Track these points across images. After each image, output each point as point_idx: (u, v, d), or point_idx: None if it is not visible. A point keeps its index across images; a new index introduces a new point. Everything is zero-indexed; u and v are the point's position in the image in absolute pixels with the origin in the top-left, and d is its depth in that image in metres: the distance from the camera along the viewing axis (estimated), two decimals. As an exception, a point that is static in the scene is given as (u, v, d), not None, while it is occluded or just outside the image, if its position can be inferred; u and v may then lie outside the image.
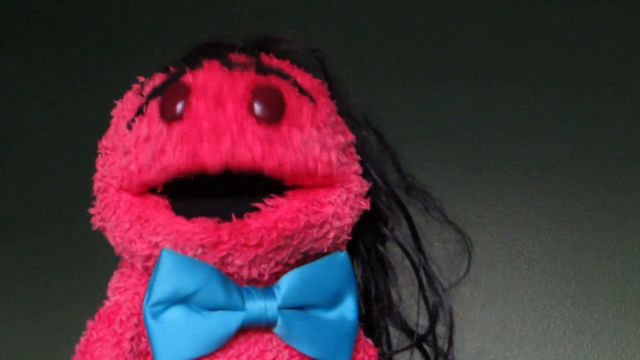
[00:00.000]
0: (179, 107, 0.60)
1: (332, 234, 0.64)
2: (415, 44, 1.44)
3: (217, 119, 0.59)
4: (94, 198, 0.67)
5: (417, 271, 0.74)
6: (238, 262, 0.61)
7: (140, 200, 0.62)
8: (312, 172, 0.62)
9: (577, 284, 1.35)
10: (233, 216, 0.61)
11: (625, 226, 1.35)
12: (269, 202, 0.61)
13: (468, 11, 1.44)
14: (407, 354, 0.75)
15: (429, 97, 1.41)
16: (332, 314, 0.64)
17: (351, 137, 0.67)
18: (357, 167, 0.66)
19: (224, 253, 0.60)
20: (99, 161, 0.66)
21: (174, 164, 0.60)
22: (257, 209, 0.61)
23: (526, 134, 1.39)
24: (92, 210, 0.67)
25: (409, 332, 0.74)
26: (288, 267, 0.63)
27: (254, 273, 0.62)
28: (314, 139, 0.62)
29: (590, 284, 1.35)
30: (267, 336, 0.62)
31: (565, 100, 1.39)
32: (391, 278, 0.74)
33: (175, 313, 0.60)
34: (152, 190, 0.63)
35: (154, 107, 0.61)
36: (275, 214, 0.61)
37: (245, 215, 0.61)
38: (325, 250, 0.64)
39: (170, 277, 0.59)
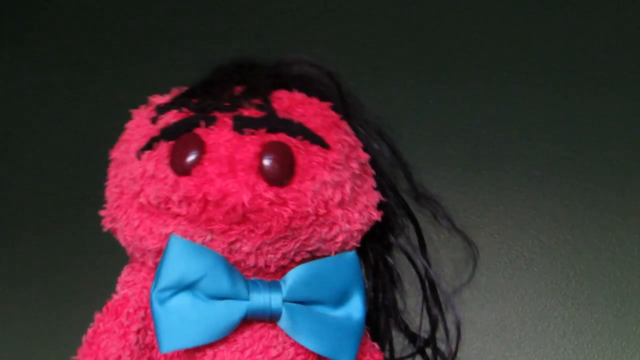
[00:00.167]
0: (189, 161, 0.61)
1: (340, 238, 0.65)
2: (415, 44, 1.44)
3: (227, 186, 0.60)
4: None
5: (422, 281, 0.75)
6: (245, 248, 0.62)
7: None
8: (323, 213, 0.63)
9: (577, 284, 1.35)
10: None
11: (625, 226, 1.35)
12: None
13: (468, 11, 1.44)
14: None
15: (429, 97, 1.41)
16: (339, 312, 0.64)
17: (365, 157, 0.68)
18: (371, 181, 0.67)
19: (233, 238, 0.61)
20: (111, 171, 0.67)
21: (180, 213, 0.61)
22: None
23: (526, 134, 1.39)
24: (102, 212, 0.67)
25: (414, 340, 0.75)
26: (294, 263, 0.64)
27: (261, 262, 0.63)
28: (327, 182, 0.63)
29: (590, 284, 1.35)
30: (273, 332, 0.63)
31: (565, 100, 1.39)
32: (399, 288, 0.75)
33: (182, 300, 0.60)
34: None
35: (164, 149, 0.62)
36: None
37: None
38: (333, 254, 0.65)
39: (177, 263, 0.60)
